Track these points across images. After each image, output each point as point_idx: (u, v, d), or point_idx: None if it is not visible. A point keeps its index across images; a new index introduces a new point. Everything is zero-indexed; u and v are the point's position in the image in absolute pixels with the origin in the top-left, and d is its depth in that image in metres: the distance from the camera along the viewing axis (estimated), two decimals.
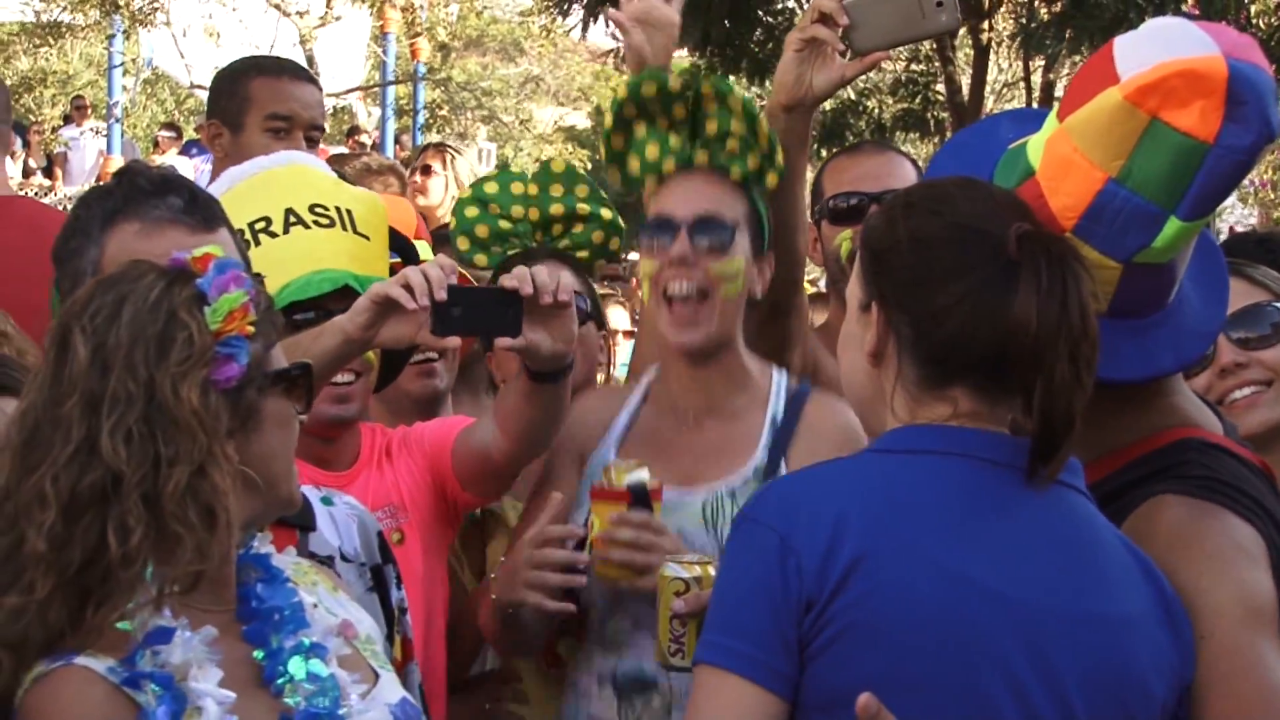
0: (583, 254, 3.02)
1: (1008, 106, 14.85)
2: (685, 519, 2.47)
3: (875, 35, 2.59)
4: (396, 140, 17.14)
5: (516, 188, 2.97)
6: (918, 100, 11.15)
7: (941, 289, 1.74)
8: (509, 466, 2.58)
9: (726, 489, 2.50)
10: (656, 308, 2.56)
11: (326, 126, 3.76)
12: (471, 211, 3.03)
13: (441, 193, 5.66)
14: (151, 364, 1.61)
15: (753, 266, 2.58)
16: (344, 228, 2.64)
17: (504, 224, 3.03)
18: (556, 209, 2.97)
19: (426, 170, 5.74)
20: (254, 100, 3.45)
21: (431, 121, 17.95)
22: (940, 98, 11.06)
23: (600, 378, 3.19)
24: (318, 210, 2.63)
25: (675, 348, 2.57)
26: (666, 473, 2.49)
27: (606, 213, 2.86)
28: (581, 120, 23.45)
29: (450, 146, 5.90)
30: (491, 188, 3.01)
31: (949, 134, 12.05)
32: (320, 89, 3.63)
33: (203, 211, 2.06)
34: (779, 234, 2.65)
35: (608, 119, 2.68)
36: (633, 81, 2.62)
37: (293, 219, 2.60)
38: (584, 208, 2.83)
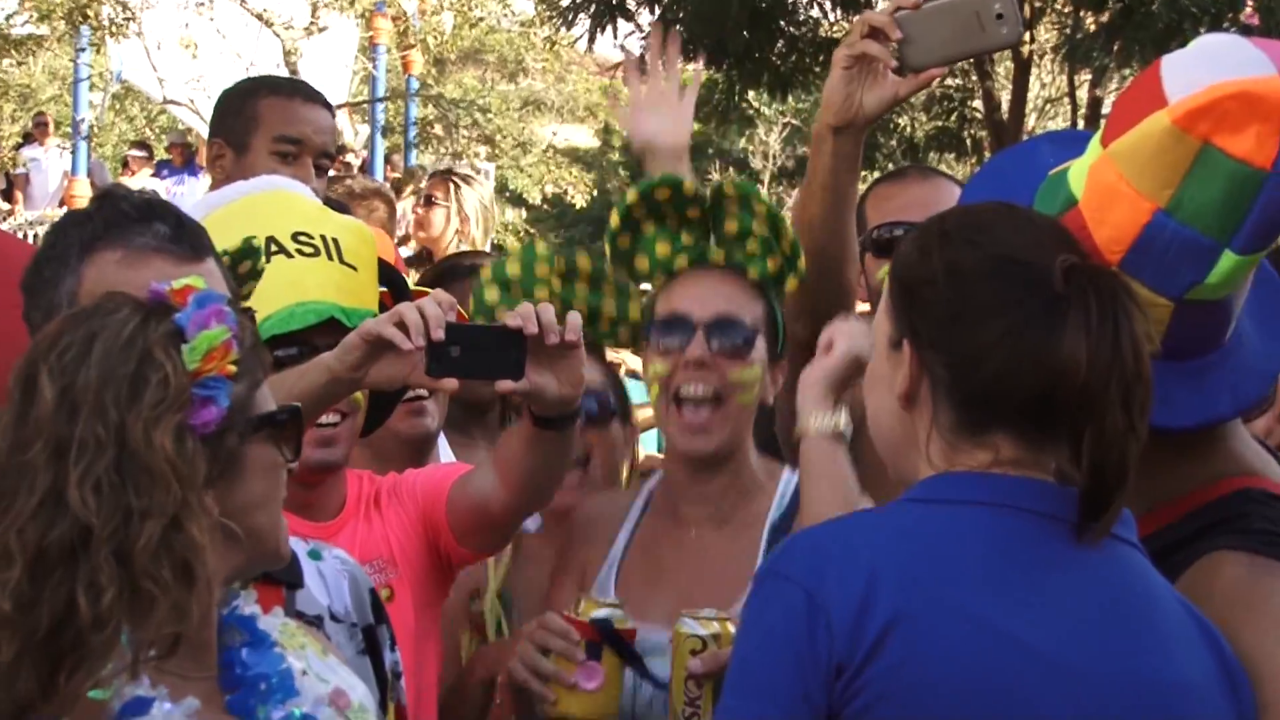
0: (605, 345, 3.03)
1: (1051, 124, 14.88)
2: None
3: (930, 50, 2.59)
4: (387, 160, 17.19)
5: (541, 270, 2.91)
6: (953, 118, 11.17)
7: (980, 327, 1.75)
8: (509, 519, 2.59)
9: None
10: (666, 411, 2.61)
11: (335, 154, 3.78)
12: (492, 295, 3.01)
13: (444, 225, 5.68)
14: (123, 407, 1.60)
15: (767, 374, 2.63)
16: (330, 257, 2.66)
17: (524, 308, 3.02)
18: (579, 305, 2.90)
19: (430, 202, 5.76)
20: (262, 121, 3.47)
21: (424, 139, 17.99)
22: (978, 115, 11.09)
23: (625, 473, 3.22)
24: (301, 238, 2.64)
25: (683, 454, 2.62)
26: (663, 601, 2.51)
27: (635, 312, 2.89)
28: (585, 138, 23.52)
29: (458, 175, 5.91)
30: (514, 269, 2.98)
31: (987, 154, 12.07)
32: (334, 114, 3.65)
33: (190, 240, 2.07)
34: (826, 266, 2.67)
35: (613, 220, 2.72)
36: (644, 185, 2.68)
37: (274, 247, 2.61)
38: (609, 307, 2.81)
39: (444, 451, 3.43)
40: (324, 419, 2.51)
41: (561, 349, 2.31)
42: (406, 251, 7.19)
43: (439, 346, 2.25)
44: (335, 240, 2.68)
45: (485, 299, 3.01)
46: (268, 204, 2.75)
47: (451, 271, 3.74)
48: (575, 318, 2.34)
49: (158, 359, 1.63)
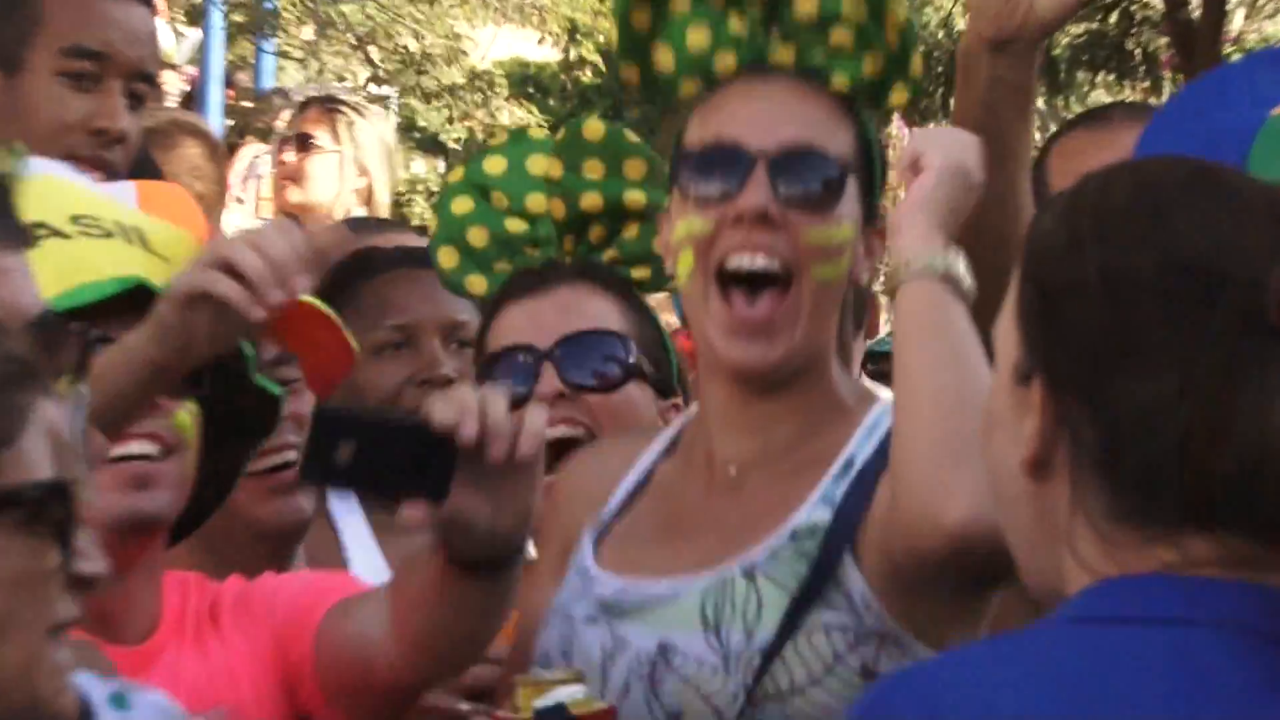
0: (639, 271, 3.06)
1: (1269, 29, 14.97)
2: (674, 623, 2.56)
3: None
4: (228, 81, 17.32)
5: (535, 164, 2.99)
6: (1114, 20, 11.26)
7: (1150, 372, 1.75)
8: (399, 687, 2.59)
9: (742, 567, 2.56)
10: (704, 296, 2.60)
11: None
12: (463, 205, 3.06)
13: (335, 181, 5.70)
14: None
15: (860, 239, 2.64)
16: (129, 241, 2.72)
17: (514, 225, 3.07)
18: (592, 200, 3.00)
19: (305, 143, 5.77)
20: (46, 24, 3.53)
21: (286, 51, 18.14)
22: (1151, 14, 11.17)
23: None
24: (85, 221, 2.70)
25: (732, 368, 2.62)
26: (676, 559, 2.60)
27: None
28: (539, 50, 23.63)
29: (345, 103, 5.93)
30: (496, 165, 3.04)
31: (1166, 78, 12.15)
32: (154, 11, 3.69)
33: (16, 220, 2.12)
34: (986, 246, 2.65)
35: None
36: None
37: (44, 232, 2.66)
38: (636, 197, 2.87)
39: (357, 544, 3.47)
40: (133, 448, 2.52)
41: (509, 467, 2.31)
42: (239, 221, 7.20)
43: (322, 442, 2.29)
44: (137, 229, 2.74)
45: (453, 213, 3.04)
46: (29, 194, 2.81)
47: (360, 269, 3.71)
48: (537, 420, 2.34)
49: None
